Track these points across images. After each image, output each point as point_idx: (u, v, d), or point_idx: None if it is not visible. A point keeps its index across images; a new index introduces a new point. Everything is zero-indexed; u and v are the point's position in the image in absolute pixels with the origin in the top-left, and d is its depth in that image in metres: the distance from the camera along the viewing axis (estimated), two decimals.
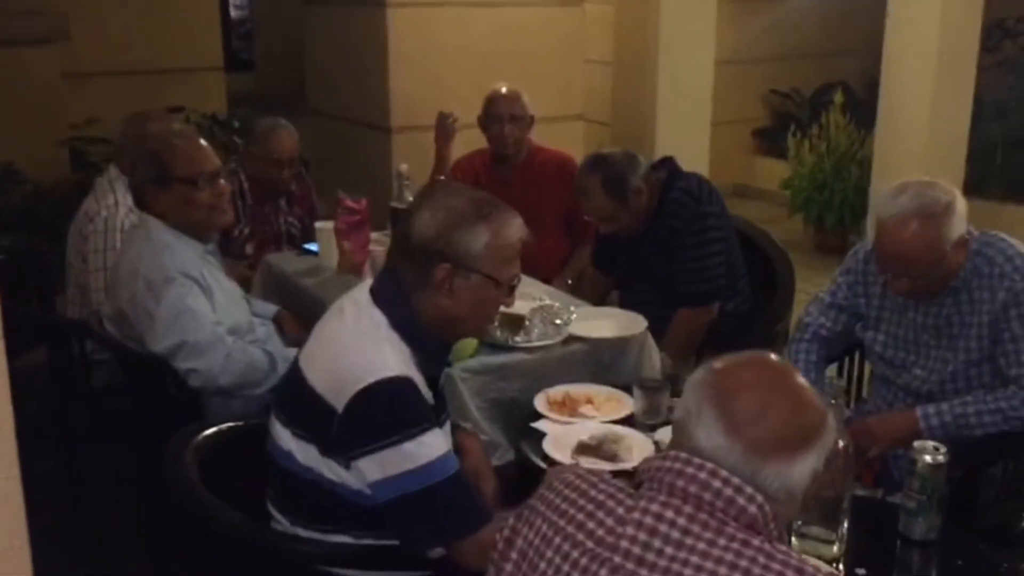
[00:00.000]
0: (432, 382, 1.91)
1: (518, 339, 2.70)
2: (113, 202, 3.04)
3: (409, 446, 1.74)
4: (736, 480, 1.28)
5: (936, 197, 2.24)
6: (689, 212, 3.12)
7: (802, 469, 1.30)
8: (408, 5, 4.35)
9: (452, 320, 1.89)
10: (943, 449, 1.98)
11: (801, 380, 1.37)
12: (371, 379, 1.73)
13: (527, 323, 2.71)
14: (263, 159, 3.64)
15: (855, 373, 2.95)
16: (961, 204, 2.27)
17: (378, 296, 1.87)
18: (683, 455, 1.31)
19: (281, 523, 1.92)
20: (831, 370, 2.08)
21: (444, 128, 3.83)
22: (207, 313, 2.46)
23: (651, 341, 2.90)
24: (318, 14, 5.11)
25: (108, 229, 2.99)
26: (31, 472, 3.03)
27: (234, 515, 1.82)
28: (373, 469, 1.74)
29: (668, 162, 3.27)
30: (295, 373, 1.86)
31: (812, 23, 8.41)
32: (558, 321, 2.75)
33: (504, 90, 3.74)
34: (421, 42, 4.40)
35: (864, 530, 1.97)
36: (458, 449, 2.24)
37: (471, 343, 2.65)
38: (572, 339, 2.77)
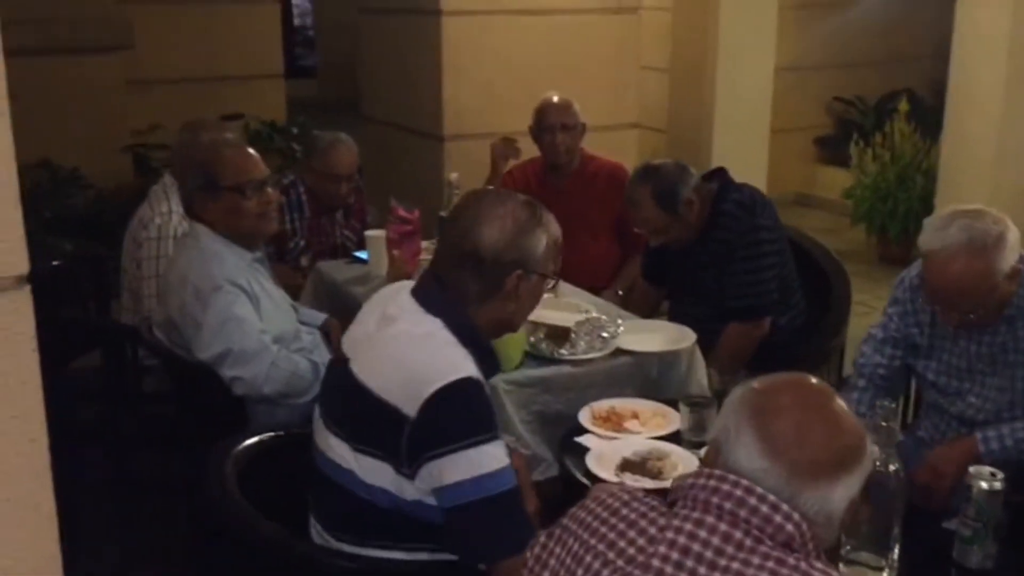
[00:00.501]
0: None
1: (563, 352, 2.67)
2: (167, 209, 3.08)
3: (484, 449, 1.74)
4: (772, 498, 1.26)
5: (986, 229, 2.12)
6: (742, 225, 3.06)
7: (842, 493, 1.28)
8: (461, 14, 4.34)
9: (509, 321, 1.96)
10: (1000, 475, 1.91)
11: (840, 403, 1.35)
12: (446, 380, 1.73)
13: (573, 336, 2.69)
14: (322, 174, 3.66)
15: (907, 397, 2.87)
16: (1013, 234, 2.16)
17: (427, 302, 1.87)
18: (717, 472, 1.29)
19: (326, 539, 1.90)
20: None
21: (507, 150, 3.79)
22: (253, 321, 2.48)
23: (699, 355, 2.84)
24: (372, 22, 5.14)
25: (161, 236, 3.02)
26: (84, 476, 3.09)
27: (272, 527, 1.82)
28: (444, 472, 1.73)
29: (720, 173, 3.22)
30: (352, 386, 1.83)
31: (878, 29, 8.25)
32: (605, 334, 2.72)
33: (555, 99, 3.72)
34: (474, 50, 4.40)
35: (917, 557, 1.91)
36: None
37: (516, 355, 2.63)
38: (619, 352, 2.73)
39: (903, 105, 6.78)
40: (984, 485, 1.90)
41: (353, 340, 1.93)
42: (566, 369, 2.65)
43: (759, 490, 1.26)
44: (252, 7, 6.64)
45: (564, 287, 3.25)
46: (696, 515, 1.28)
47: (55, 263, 3.31)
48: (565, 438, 2.46)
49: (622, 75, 4.71)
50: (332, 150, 3.67)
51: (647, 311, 3.34)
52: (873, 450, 1.88)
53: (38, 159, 5.30)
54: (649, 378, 2.75)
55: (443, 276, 1.89)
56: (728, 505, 1.26)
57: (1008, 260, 2.14)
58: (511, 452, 2.25)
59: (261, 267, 2.69)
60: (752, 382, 1.37)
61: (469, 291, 1.87)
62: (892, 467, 1.87)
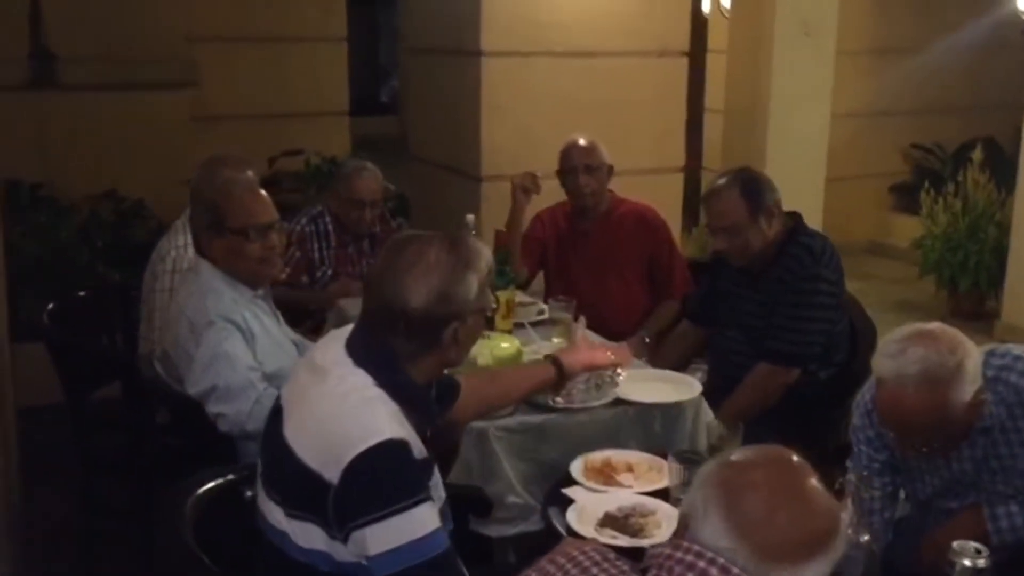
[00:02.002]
0: (420, 429, 1.85)
1: (559, 400, 2.60)
2: (183, 243, 3.13)
3: (411, 515, 1.67)
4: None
5: (942, 361, 1.95)
6: (805, 271, 2.98)
7: None
8: (502, 55, 4.35)
9: (449, 364, 1.91)
10: (985, 552, 1.78)
11: (814, 483, 1.31)
12: (365, 445, 1.67)
13: (569, 383, 2.62)
14: (347, 200, 3.74)
15: None
16: (973, 361, 1.99)
17: (358, 355, 1.81)
18: (695, 547, 1.25)
19: None
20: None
21: (525, 182, 3.74)
22: (243, 358, 2.48)
23: (707, 408, 2.75)
24: (418, 62, 5.21)
25: (176, 269, 3.07)
26: (105, 504, 3.09)
27: None
28: (370, 542, 1.66)
29: (795, 215, 3.14)
30: (282, 449, 1.78)
31: (960, 75, 8.02)
32: (601, 383, 2.65)
33: (581, 141, 3.68)
34: (514, 91, 4.40)
35: None
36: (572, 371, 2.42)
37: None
38: (619, 402, 2.66)
39: (977, 153, 6.55)
40: (967, 563, 1.77)
41: (288, 391, 1.89)
42: (560, 417, 2.59)
43: (735, 570, 1.23)
44: (318, 45, 6.79)
45: (580, 330, 3.21)
46: None
47: (81, 293, 3.39)
48: (553, 489, 2.40)
49: (667, 119, 4.65)
50: (356, 176, 3.76)
51: (684, 354, 3.26)
52: (847, 532, 1.79)
53: (105, 190, 5.50)
54: (652, 430, 2.67)
55: (374, 336, 1.82)
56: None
57: (966, 391, 1.97)
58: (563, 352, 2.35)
59: (264, 303, 2.70)
60: (728, 455, 1.34)
61: (404, 350, 1.81)
62: (863, 539, 1.77)
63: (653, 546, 1.38)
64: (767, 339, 3.01)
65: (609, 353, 2.54)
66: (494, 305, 1.99)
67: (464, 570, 1.79)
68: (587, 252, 3.74)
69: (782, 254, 3.02)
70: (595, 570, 1.33)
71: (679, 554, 1.26)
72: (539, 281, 3.91)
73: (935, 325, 2.03)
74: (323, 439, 1.71)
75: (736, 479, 1.29)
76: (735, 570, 1.22)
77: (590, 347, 2.52)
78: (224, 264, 2.58)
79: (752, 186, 3.00)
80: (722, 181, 3.05)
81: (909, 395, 1.96)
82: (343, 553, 1.72)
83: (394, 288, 1.78)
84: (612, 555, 1.37)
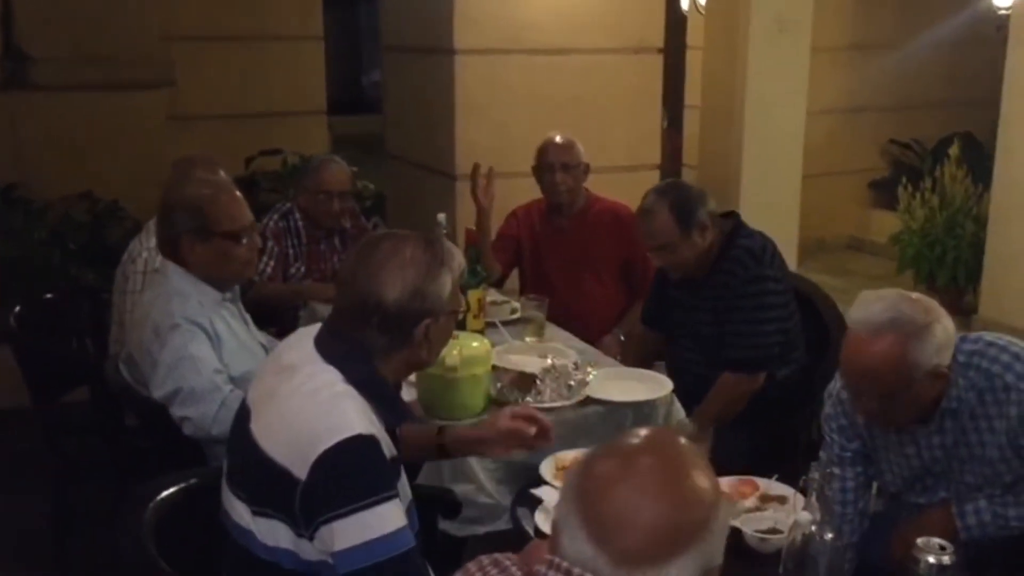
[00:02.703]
0: (390, 431, 1.84)
1: (529, 399, 2.60)
2: (154, 244, 3.09)
3: (377, 511, 1.66)
4: None
5: (912, 316, 1.96)
6: (748, 273, 2.96)
7: (678, 574, 1.17)
8: (476, 53, 4.32)
9: (420, 363, 1.92)
10: (950, 548, 1.78)
11: (686, 473, 1.23)
12: (333, 440, 1.66)
13: (538, 383, 2.61)
14: (315, 192, 3.75)
15: None
16: (943, 330, 1.99)
17: (326, 351, 1.80)
18: (565, 564, 1.20)
19: None
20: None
21: (480, 183, 3.70)
22: (208, 361, 2.46)
23: (679, 407, 2.75)
24: (394, 60, 5.18)
25: (146, 271, 3.05)
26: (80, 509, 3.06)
27: None
28: (336, 537, 1.65)
29: (733, 216, 3.12)
30: (249, 445, 1.77)
31: (935, 71, 8.05)
32: (571, 382, 2.64)
33: (557, 139, 3.67)
34: (488, 90, 4.37)
35: None
36: (453, 451, 2.22)
37: (479, 402, 2.57)
38: (590, 401, 2.65)
39: (954, 149, 6.57)
40: (932, 559, 1.78)
41: (255, 391, 1.88)
42: None
43: None
44: (295, 44, 6.76)
45: (552, 330, 3.21)
46: None
47: (48, 296, 3.36)
48: (522, 489, 2.39)
49: (643, 117, 4.63)
50: (323, 167, 3.79)
51: (644, 358, 3.24)
52: (804, 517, 1.79)
53: (80, 191, 5.46)
54: (623, 429, 2.66)
55: (345, 332, 1.82)
56: None
57: (929, 356, 1.97)
58: (452, 430, 2.20)
59: (232, 306, 2.68)
60: (592, 452, 1.27)
61: (375, 345, 1.80)
62: (827, 536, 1.77)
63: (536, 562, 1.29)
64: (725, 348, 2.99)
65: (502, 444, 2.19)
66: (465, 308, 1.97)
67: (428, 570, 1.79)
68: (562, 250, 3.73)
69: (723, 259, 3.00)
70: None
71: (551, 573, 1.20)
72: (513, 280, 3.90)
73: (915, 293, 2.05)
74: (292, 435, 1.71)
75: (595, 481, 1.21)
76: None
77: (497, 430, 2.17)
78: (204, 267, 2.55)
79: (682, 203, 2.96)
80: (651, 199, 3.00)
81: (873, 341, 1.96)
82: (309, 551, 1.71)
83: (368, 283, 1.79)
84: (511, 567, 1.31)
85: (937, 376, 2.02)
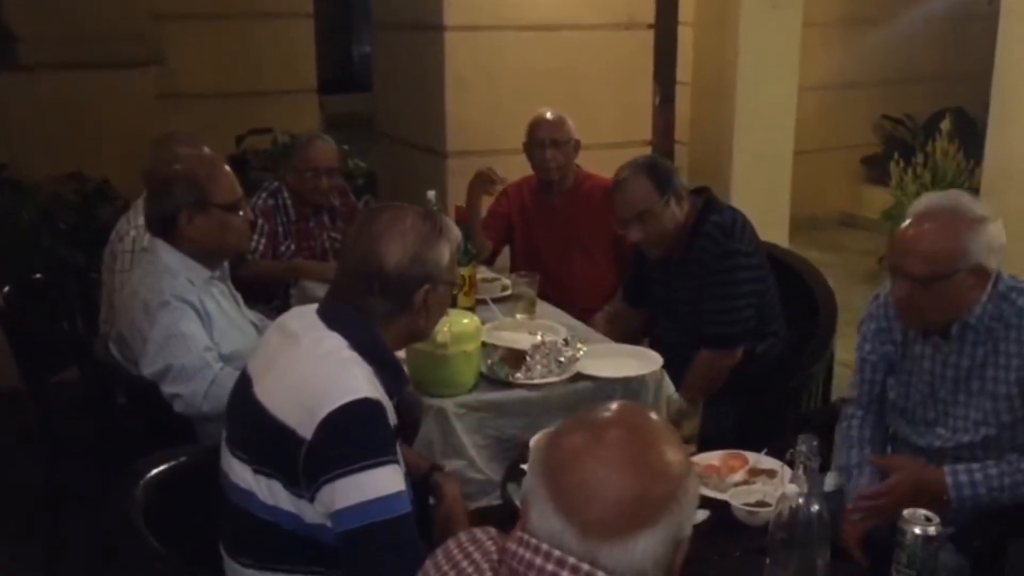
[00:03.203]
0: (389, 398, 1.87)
1: (519, 375, 2.60)
2: (143, 223, 3.07)
3: (377, 473, 1.70)
4: (586, 567, 1.17)
5: (970, 207, 2.07)
6: (719, 248, 2.96)
7: (647, 546, 1.17)
8: (465, 29, 4.30)
9: (419, 333, 1.97)
10: (935, 520, 1.80)
11: (658, 442, 1.23)
12: (341, 401, 1.71)
13: (529, 359, 2.62)
14: (302, 169, 3.74)
15: None
16: (995, 234, 2.07)
17: (331, 319, 1.84)
18: (533, 541, 1.20)
19: (231, 565, 1.87)
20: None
21: (484, 184, 3.70)
22: (198, 338, 2.46)
23: (668, 382, 2.75)
24: (384, 38, 5.15)
25: (135, 250, 3.03)
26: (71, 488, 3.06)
27: (166, 559, 1.77)
28: (337, 496, 1.69)
29: (705, 191, 3.12)
30: (253, 407, 1.81)
31: (926, 46, 8.03)
32: (562, 358, 2.64)
33: (548, 115, 3.67)
34: (478, 66, 4.35)
35: None
36: (434, 492, 2.17)
37: (470, 378, 2.58)
38: (580, 377, 2.66)
39: (946, 124, 6.57)
40: (918, 531, 1.79)
41: (257, 360, 1.90)
42: (521, 393, 2.59)
43: (571, 561, 1.17)
44: (286, 22, 6.69)
45: (542, 307, 3.21)
46: None
47: (37, 276, 3.35)
48: (512, 464, 2.40)
49: (634, 92, 4.61)
50: (310, 144, 3.77)
51: (629, 335, 3.25)
52: (791, 489, 1.80)
53: (70, 172, 5.43)
54: None
55: (348, 300, 1.86)
56: None
57: (978, 249, 2.05)
58: (445, 477, 2.21)
59: (221, 284, 2.68)
60: (559, 426, 1.27)
61: (376, 311, 1.85)
62: (814, 508, 1.78)
63: (506, 537, 1.29)
64: (703, 325, 3.00)
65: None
66: (461, 282, 2.01)
67: (419, 540, 1.80)
68: (553, 227, 3.73)
69: (695, 235, 3.00)
70: (464, 563, 1.30)
71: (520, 550, 1.21)
72: (504, 257, 3.90)
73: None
74: (301, 397, 1.74)
75: (562, 456, 1.21)
76: (571, 560, 1.16)
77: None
78: (205, 241, 2.56)
79: (658, 170, 2.98)
80: (626, 171, 3.02)
81: (929, 220, 2.07)
82: (310, 514, 1.75)
83: (370, 249, 1.84)
84: (489, 545, 1.31)
85: (977, 278, 2.08)
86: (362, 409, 1.72)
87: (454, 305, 2.93)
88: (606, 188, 3.70)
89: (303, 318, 1.89)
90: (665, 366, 2.76)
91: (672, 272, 3.08)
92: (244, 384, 1.88)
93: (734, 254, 2.95)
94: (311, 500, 1.73)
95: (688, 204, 3.00)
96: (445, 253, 1.89)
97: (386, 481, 1.71)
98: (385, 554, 1.70)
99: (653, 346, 3.15)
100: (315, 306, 1.91)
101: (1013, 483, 2.09)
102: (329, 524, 1.73)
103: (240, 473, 1.82)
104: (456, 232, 1.96)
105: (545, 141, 3.61)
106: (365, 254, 1.85)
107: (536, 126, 3.66)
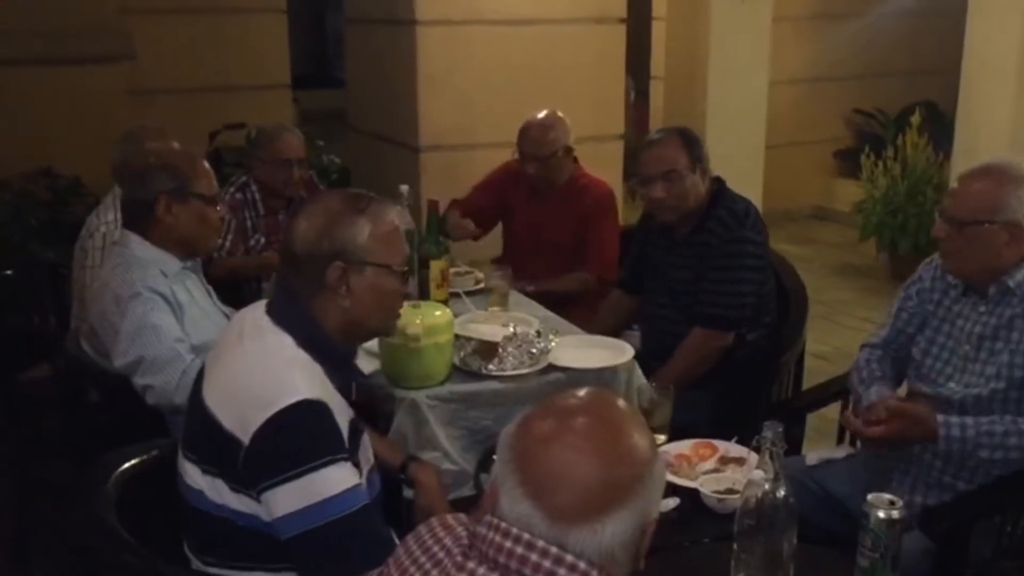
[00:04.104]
0: (346, 391, 1.87)
1: (491, 367, 2.61)
2: (112, 218, 3.08)
3: (322, 475, 1.67)
4: (554, 550, 1.19)
5: (1013, 165, 2.23)
6: (730, 234, 3.01)
7: (614, 529, 1.20)
8: (436, 24, 4.30)
9: (358, 321, 1.88)
10: (899, 503, 1.82)
11: (625, 427, 1.25)
12: (278, 406, 1.68)
13: (501, 351, 2.63)
14: (271, 161, 3.71)
15: None
16: None
17: (278, 315, 1.82)
18: (503, 525, 1.22)
19: (199, 565, 1.86)
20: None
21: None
22: (170, 329, 2.45)
23: (639, 372, 2.77)
24: (356, 32, 5.14)
25: (105, 245, 3.02)
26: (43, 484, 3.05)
27: (136, 552, 1.76)
28: (279, 502, 1.68)
29: (718, 180, 3.16)
30: (199, 407, 1.80)
31: (897, 40, 8.11)
32: (534, 350, 2.66)
33: (532, 129, 3.62)
34: (450, 61, 4.36)
35: None
36: (411, 482, 2.19)
37: (443, 370, 2.58)
38: (552, 368, 2.67)
39: (916, 117, 6.64)
40: (882, 514, 1.81)
41: (211, 356, 1.89)
42: (493, 385, 2.60)
43: (540, 544, 1.19)
44: (257, 16, 6.66)
45: (517, 298, 3.22)
46: (482, 570, 1.22)
47: (7, 272, 3.33)
48: (485, 455, 2.41)
49: (607, 86, 4.64)
50: (278, 136, 3.74)
51: (615, 324, 3.27)
52: (757, 475, 1.82)
53: (41, 168, 5.38)
54: None
55: (285, 284, 1.87)
56: (513, 564, 1.20)
57: (1017, 205, 2.18)
58: (422, 467, 2.22)
59: (193, 275, 2.67)
60: (528, 412, 1.29)
61: (300, 292, 1.83)
62: (780, 493, 1.80)
63: (471, 520, 1.32)
64: (699, 304, 3.03)
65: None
66: (406, 268, 1.96)
67: (384, 529, 1.80)
68: (538, 216, 3.75)
69: (707, 218, 3.05)
70: (435, 548, 1.30)
71: (490, 534, 1.22)
72: (481, 250, 3.88)
73: None
74: (237, 400, 1.72)
75: (530, 442, 1.23)
76: (540, 543, 1.19)
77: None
78: (182, 231, 2.55)
79: (691, 138, 3.06)
80: (659, 134, 3.12)
81: (980, 174, 2.24)
82: (262, 512, 1.73)
83: (287, 232, 1.86)
84: (460, 531, 1.32)
85: (1012, 236, 2.18)
86: (299, 413, 1.68)
87: (426, 298, 2.95)
88: (589, 189, 3.70)
89: (253, 313, 1.87)
90: (657, 345, 2.78)
91: (674, 250, 3.13)
92: (199, 381, 1.87)
93: (743, 240, 3.00)
94: (258, 502, 1.72)
95: (707, 183, 3.05)
96: (362, 231, 1.82)
97: (332, 481, 1.67)
98: (341, 551, 1.69)
99: (645, 326, 3.19)
100: (266, 302, 1.89)
101: (1005, 433, 2.16)
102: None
103: (192, 475, 1.81)
104: (391, 213, 1.89)
105: (527, 155, 3.61)
106: (285, 235, 1.87)
107: (521, 137, 3.63)
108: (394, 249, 1.89)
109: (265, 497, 1.69)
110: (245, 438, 1.68)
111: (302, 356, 1.76)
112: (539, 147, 3.61)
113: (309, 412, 1.69)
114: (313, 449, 1.68)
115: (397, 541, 1.84)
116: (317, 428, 1.70)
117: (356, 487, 1.72)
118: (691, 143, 3.03)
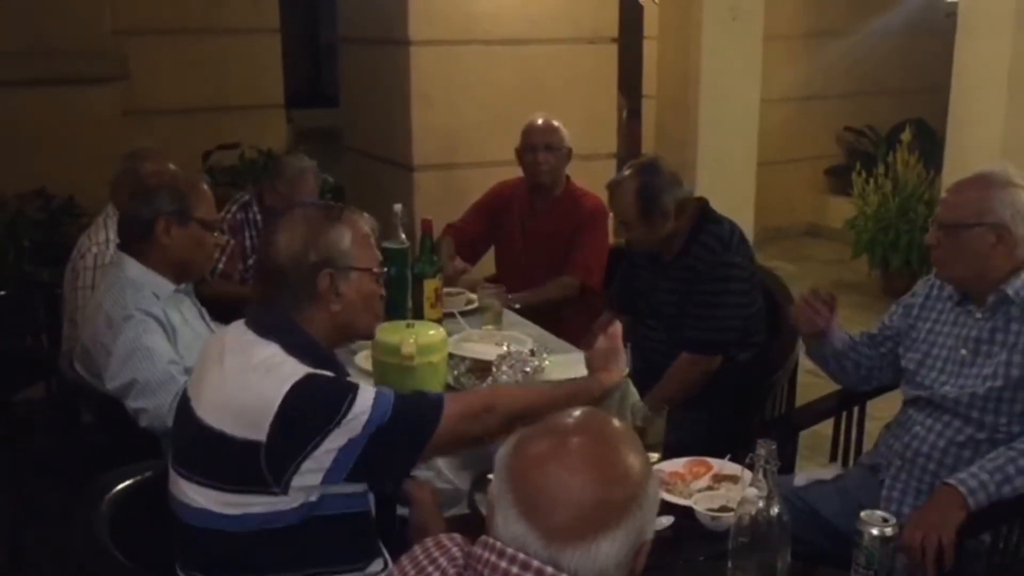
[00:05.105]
0: None
1: (485, 386, 2.61)
2: (104, 239, 3.08)
3: (353, 411, 1.73)
4: (550, 570, 1.20)
5: (1006, 173, 2.25)
6: (715, 259, 3.03)
7: (609, 549, 1.21)
8: (430, 44, 4.32)
9: (346, 324, 1.93)
10: (892, 520, 1.83)
11: (619, 447, 1.26)
12: (283, 391, 1.72)
13: (495, 370, 2.63)
14: (288, 198, 3.72)
15: (853, 431, 2.79)
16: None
17: (261, 327, 1.84)
18: (499, 545, 1.23)
19: None
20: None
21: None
22: (163, 352, 2.45)
23: (632, 390, 2.77)
24: (350, 52, 5.16)
25: (97, 266, 3.02)
26: (37, 505, 3.04)
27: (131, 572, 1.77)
28: (325, 457, 1.72)
29: (701, 201, 3.18)
30: (195, 427, 1.80)
31: (888, 59, 8.17)
32: (528, 368, 2.66)
33: (540, 121, 3.74)
34: (444, 80, 4.37)
35: None
36: (407, 500, 2.19)
37: (435, 388, 2.58)
38: None
39: (906, 134, 6.68)
40: (875, 531, 1.82)
41: (195, 377, 1.90)
42: None
43: (535, 564, 1.20)
44: (251, 37, 6.69)
45: (510, 316, 3.23)
46: None
47: (1, 293, 3.32)
48: (479, 475, 2.41)
49: (599, 105, 4.66)
50: (301, 180, 3.79)
51: None
52: (751, 493, 1.82)
53: (35, 188, 5.39)
54: None
55: (264, 301, 1.88)
56: None
57: (1002, 208, 2.20)
58: (418, 485, 2.23)
59: (187, 298, 2.67)
60: (522, 432, 1.29)
61: (289, 305, 1.86)
62: (774, 511, 1.80)
63: (474, 542, 1.31)
64: (685, 329, 3.05)
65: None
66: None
67: (416, 399, 1.89)
68: (536, 230, 3.77)
69: (691, 243, 3.07)
70: (430, 568, 1.32)
71: (485, 554, 1.23)
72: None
73: None
74: (246, 410, 1.74)
75: (525, 463, 1.24)
76: (535, 564, 1.19)
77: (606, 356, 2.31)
78: (178, 253, 2.57)
79: (648, 189, 3.03)
80: (626, 173, 3.12)
81: (968, 182, 2.29)
82: (278, 504, 1.74)
83: (266, 249, 1.88)
84: (455, 551, 1.32)
85: (1000, 239, 2.20)
86: (306, 385, 1.73)
87: (421, 317, 2.95)
88: (594, 205, 3.72)
89: (233, 331, 1.88)
90: (647, 367, 2.79)
91: (661, 274, 3.15)
92: (184, 402, 1.87)
93: (729, 265, 3.02)
94: (285, 491, 1.73)
95: (683, 217, 3.07)
96: (344, 237, 1.87)
97: (360, 413, 1.74)
98: (398, 447, 1.79)
99: (635, 348, 3.19)
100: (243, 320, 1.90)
101: (1012, 460, 2.15)
102: (304, 514, 1.74)
103: (184, 489, 1.82)
104: (365, 223, 1.94)
105: (538, 145, 3.68)
106: (264, 255, 1.89)
107: (529, 131, 3.72)
108: (372, 252, 1.95)
109: (301, 471, 1.71)
110: (261, 436, 1.70)
111: (292, 360, 1.79)
112: (551, 136, 3.69)
113: (311, 381, 1.74)
114: (334, 403, 1.73)
115: (391, 561, 1.85)
116: (327, 385, 1.76)
117: (378, 395, 1.78)
118: (646, 196, 3.02)
